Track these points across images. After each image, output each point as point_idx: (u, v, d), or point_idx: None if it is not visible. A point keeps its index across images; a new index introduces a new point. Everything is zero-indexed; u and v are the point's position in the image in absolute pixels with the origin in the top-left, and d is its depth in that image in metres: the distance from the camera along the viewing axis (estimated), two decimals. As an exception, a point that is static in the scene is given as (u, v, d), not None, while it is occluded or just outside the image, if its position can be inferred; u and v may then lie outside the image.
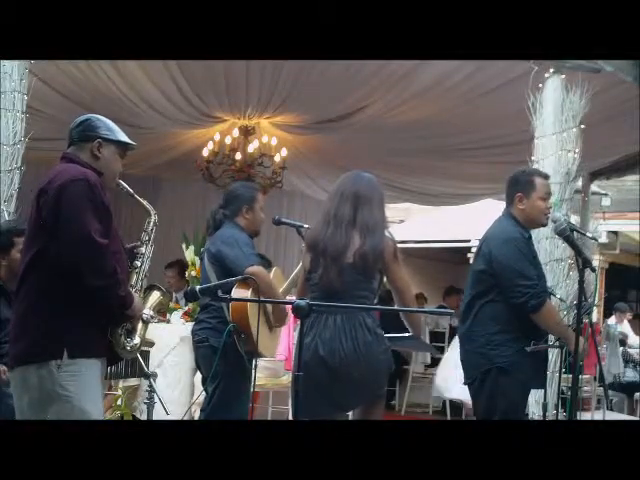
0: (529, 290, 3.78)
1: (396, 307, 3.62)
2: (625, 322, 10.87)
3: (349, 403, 3.60)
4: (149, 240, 3.23)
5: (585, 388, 6.65)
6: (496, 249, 3.88)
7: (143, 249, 3.21)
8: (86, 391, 2.84)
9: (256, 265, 4.07)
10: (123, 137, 3.12)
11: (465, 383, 4.02)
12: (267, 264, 4.52)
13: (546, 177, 4.13)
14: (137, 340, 3.05)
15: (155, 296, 3.26)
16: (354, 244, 3.48)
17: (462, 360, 4.06)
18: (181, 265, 7.36)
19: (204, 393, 4.38)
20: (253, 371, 3.83)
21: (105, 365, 3.02)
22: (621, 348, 9.44)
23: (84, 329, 2.85)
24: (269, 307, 4.29)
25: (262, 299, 3.75)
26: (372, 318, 3.48)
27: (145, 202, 3.27)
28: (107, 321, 2.93)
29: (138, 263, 3.17)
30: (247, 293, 4.06)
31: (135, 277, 3.15)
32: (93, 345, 2.89)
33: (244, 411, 4.20)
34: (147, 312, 3.13)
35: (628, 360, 9.46)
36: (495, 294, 3.86)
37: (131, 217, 7.65)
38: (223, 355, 3.94)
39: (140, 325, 3.08)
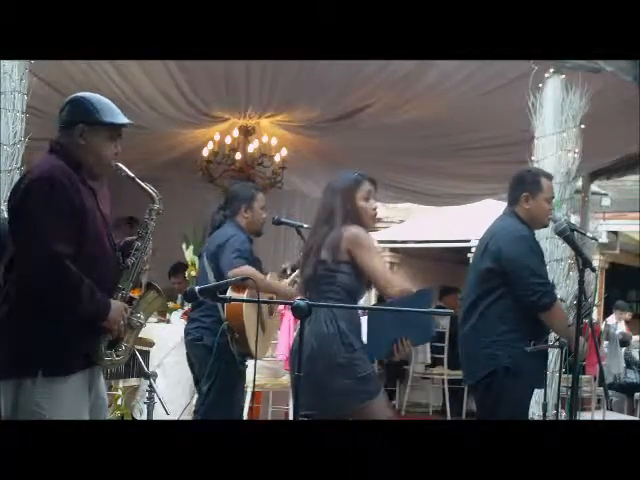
0: (541, 288, 3.77)
1: (395, 307, 3.58)
2: (622, 322, 10.85)
3: (319, 402, 3.39)
4: (146, 233, 2.89)
5: (585, 388, 6.65)
6: (507, 246, 3.85)
7: (139, 243, 2.87)
8: (63, 409, 2.66)
9: (241, 266, 4.08)
10: (112, 117, 2.82)
11: (467, 384, 4.00)
12: (259, 265, 4.52)
13: (551, 178, 4.14)
14: (122, 349, 2.81)
15: (150, 298, 2.96)
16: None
17: (464, 361, 4.03)
18: (184, 268, 7.37)
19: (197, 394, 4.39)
20: (253, 371, 3.84)
21: (95, 372, 2.83)
22: (623, 349, 9.43)
23: (58, 346, 2.64)
24: (264, 307, 4.30)
25: (261, 299, 3.75)
26: (329, 312, 3.42)
27: (148, 186, 2.94)
28: (83, 335, 2.70)
29: (131, 261, 2.84)
30: (242, 295, 4.06)
31: (125, 277, 2.84)
32: (69, 362, 2.69)
33: (238, 410, 4.22)
34: (137, 317, 2.85)
35: (630, 362, 9.43)
36: (502, 293, 3.83)
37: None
38: (217, 355, 3.97)
39: (129, 332, 2.84)
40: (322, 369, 3.36)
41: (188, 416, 5.34)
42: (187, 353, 4.43)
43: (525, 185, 4.00)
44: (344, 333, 3.41)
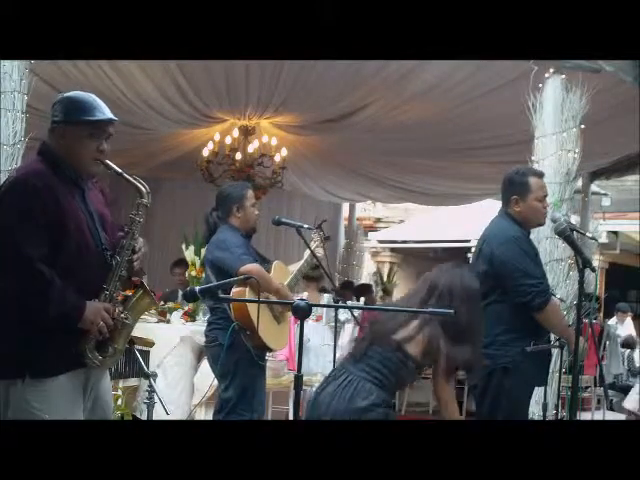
0: (534, 289, 3.77)
1: (394, 307, 3.56)
2: (628, 320, 10.87)
3: None
4: (132, 229, 2.79)
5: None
6: (497, 249, 3.86)
7: (124, 241, 2.77)
8: (54, 409, 2.64)
9: (249, 264, 4.11)
10: (90, 115, 2.74)
11: (468, 384, 4.01)
12: (264, 261, 4.57)
13: (541, 175, 4.09)
14: (110, 351, 2.74)
15: (138, 298, 2.87)
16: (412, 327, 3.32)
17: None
18: (186, 263, 7.35)
19: (206, 395, 4.44)
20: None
21: (92, 374, 2.79)
22: (627, 351, 9.44)
23: (39, 348, 2.61)
24: (272, 299, 4.33)
25: (261, 299, 3.77)
26: (369, 386, 3.24)
27: (136, 179, 2.82)
28: (62, 337, 2.65)
29: (115, 260, 2.76)
30: (244, 291, 4.10)
31: (109, 276, 2.74)
32: (53, 363, 2.65)
33: (260, 407, 4.26)
34: (124, 317, 2.77)
35: (631, 369, 9.42)
36: (497, 295, 3.84)
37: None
38: (232, 353, 4.04)
39: (117, 333, 2.76)
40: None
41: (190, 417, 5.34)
42: (207, 356, 4.51)
43: (514, 187, 3.98)
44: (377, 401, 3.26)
